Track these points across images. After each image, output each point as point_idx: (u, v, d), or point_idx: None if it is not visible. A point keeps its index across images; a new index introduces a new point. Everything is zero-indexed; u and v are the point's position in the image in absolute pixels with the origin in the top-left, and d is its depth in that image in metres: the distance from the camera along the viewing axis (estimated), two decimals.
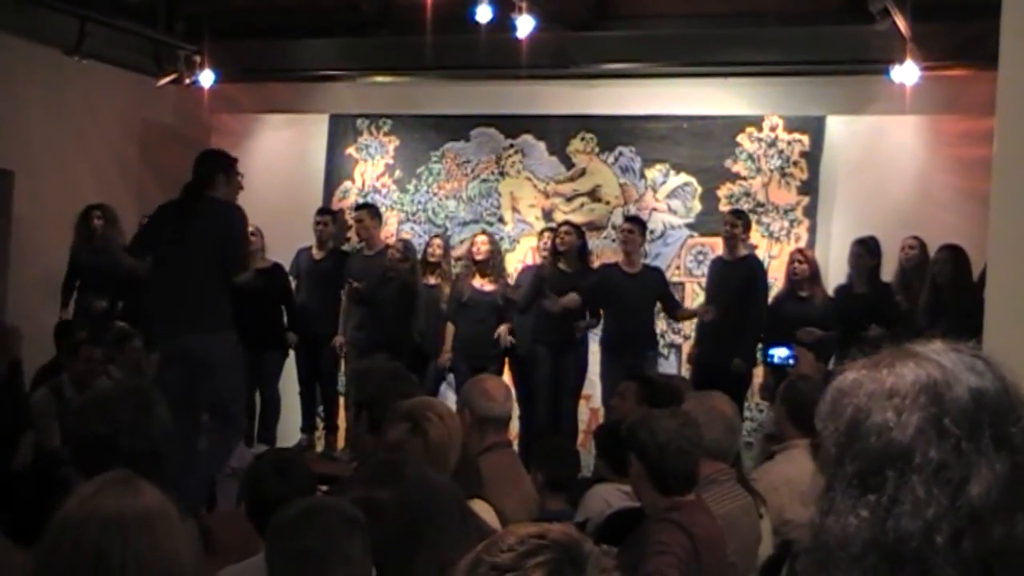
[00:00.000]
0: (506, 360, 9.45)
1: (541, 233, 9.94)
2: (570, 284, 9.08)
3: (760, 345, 8.98)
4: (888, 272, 8.82)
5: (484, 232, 9.92)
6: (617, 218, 10.35)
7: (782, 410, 5.51)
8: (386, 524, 2.78)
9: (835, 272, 9.08)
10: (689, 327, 9.72)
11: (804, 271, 8.88)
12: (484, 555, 1.55)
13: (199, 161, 7.02)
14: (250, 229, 7.55)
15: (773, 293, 9.29)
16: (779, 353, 8.47)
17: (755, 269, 9.14)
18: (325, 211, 10.39)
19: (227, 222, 6.74)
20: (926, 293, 8.32)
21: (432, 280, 9.65)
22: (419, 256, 9.79)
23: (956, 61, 9.05)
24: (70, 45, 10.08)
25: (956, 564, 1.24)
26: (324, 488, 4.62)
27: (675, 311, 9.40)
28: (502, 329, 9.32)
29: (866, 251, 8.70)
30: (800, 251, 9.25)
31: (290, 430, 9.89)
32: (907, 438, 1.28)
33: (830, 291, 8.89)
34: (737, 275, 9.02)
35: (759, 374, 9.44)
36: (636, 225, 9.30)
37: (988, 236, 3.81)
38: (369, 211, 9.95)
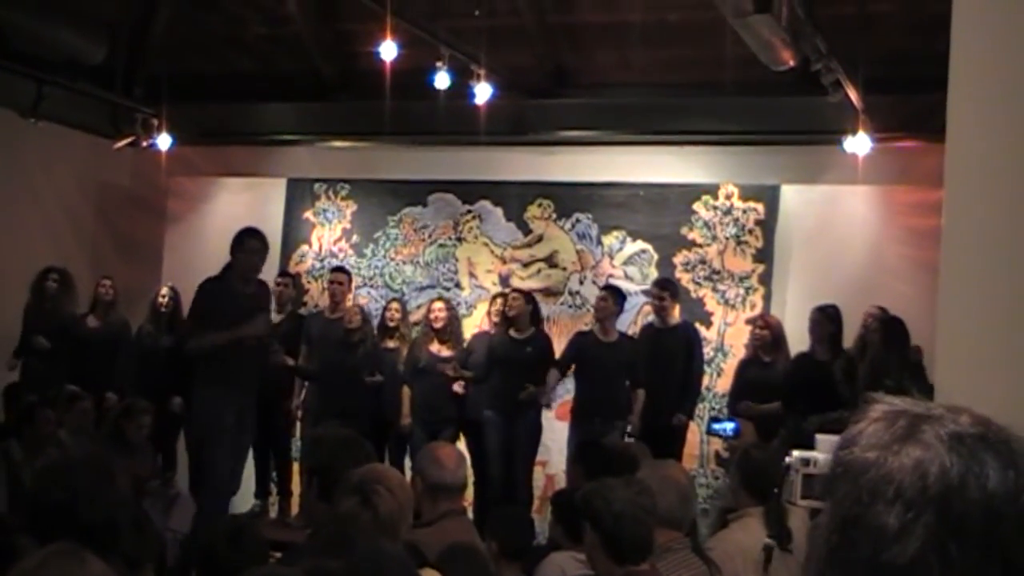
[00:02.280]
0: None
1: (494, 298, 9.94)
2: (520, 350, 9.08)
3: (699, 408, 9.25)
4: (847, 339, 8.85)
5: (441, 299, 9.92)
6: (574, 284, 10.41)
7: (737, 477, 5.51)
8: None
9: (791, 340, 9.10)
10: None
11: (766, 336, 8.95)
12: None
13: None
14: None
15: (737, 360, 9.37)
16: (724, 427, 8.56)
17: (691, 336, 9.27)
18: (285, 274, 10.40)
19: None
20: (865, 362, 8.38)
21: (391, 344, 9.65)
22: (377, 320, 9.86)
23: (907, 133, 9.23)
24: (27, 107, 10.04)
25: None
26: (277, 555, 4.58)
27: (633, 385, 9.13)
28: (457, 387, 9.32)
29: (826, 318, 8.72)
30: (762, 317, 9.34)
31: (243, 495, 9.78)
32: (906, 559, 1.13)
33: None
34: (671, 343, 9.11)
35: (715, 442, 9.47)
36: (611, 294, 9.29)
37: (937, 306, 3.85)
38: (348, 276, 10.07)
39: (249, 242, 7.75)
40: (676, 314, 9.29)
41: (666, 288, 9.28)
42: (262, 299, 8.07)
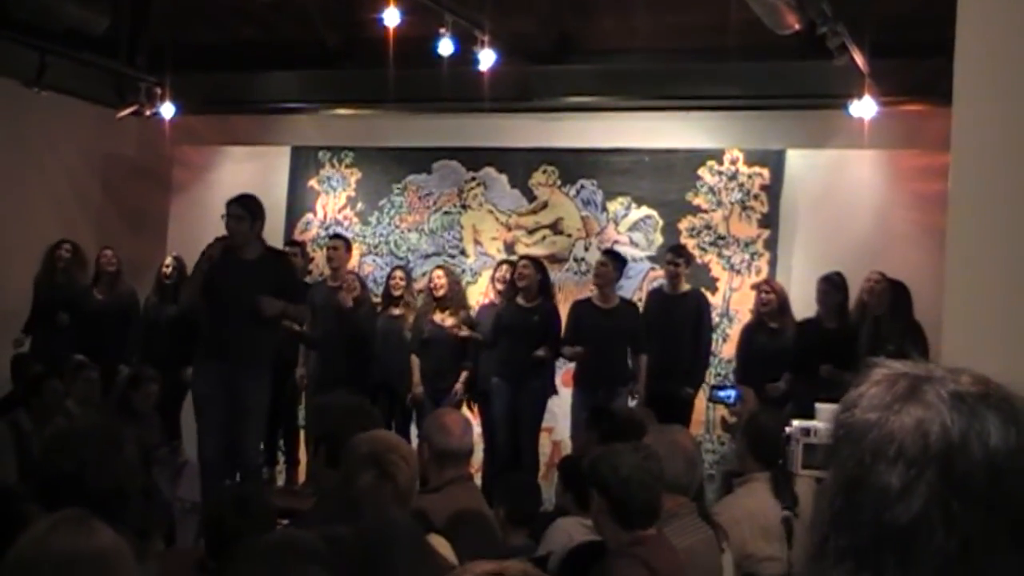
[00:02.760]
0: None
1: (499, 265, 9.94)
2: (527, 319, 9.08)
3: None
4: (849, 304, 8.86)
5: (441, 267, 9.91)
6: (579, 251, 10.40)
7: (743, 443, 5.52)
8: (344, 561, 2.75)
9: (796, 305, 9.09)
10: None
11: (772, 302, 8.94)
12: None
13: None
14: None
15: (742, 326, 9.36)
16: (727, 394, 8.59)
17: (700, 304, 9.25)
18: (293, 243, 10.40)
19: None
20: (867, 326, 8.38)
21: (395, 312, 9.65)
22: (381, 288, 9.87)
23: (913, 97, 9.17)
24: (30, 77, 10.02)
25: None
26: (284, 522, 4.60)
27: (636, 352, 9.16)
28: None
29: (833, 287, 8.71)
30: (767, 283, 9.31)
31: None
32: (909, 518, 1.14)
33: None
34: (681, 310, 9.09)
35: (721, 408, 9.50)
36: (611, 259, 9.26)
37: (944, 270, 3.85)
38: (344, 242, 10.00)
39: (228, 208, 7.60)
40: (685, 283, 9.28)
41: (681, 255, 9.27)
42: (272, 267, 7.72)
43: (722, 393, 8.71)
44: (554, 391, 9.28)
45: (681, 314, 9.07)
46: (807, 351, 8.39)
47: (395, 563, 2.81)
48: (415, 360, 9.42)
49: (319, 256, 10.89)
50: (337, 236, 10.21)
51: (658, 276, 10.07)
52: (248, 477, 7.65)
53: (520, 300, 9.18)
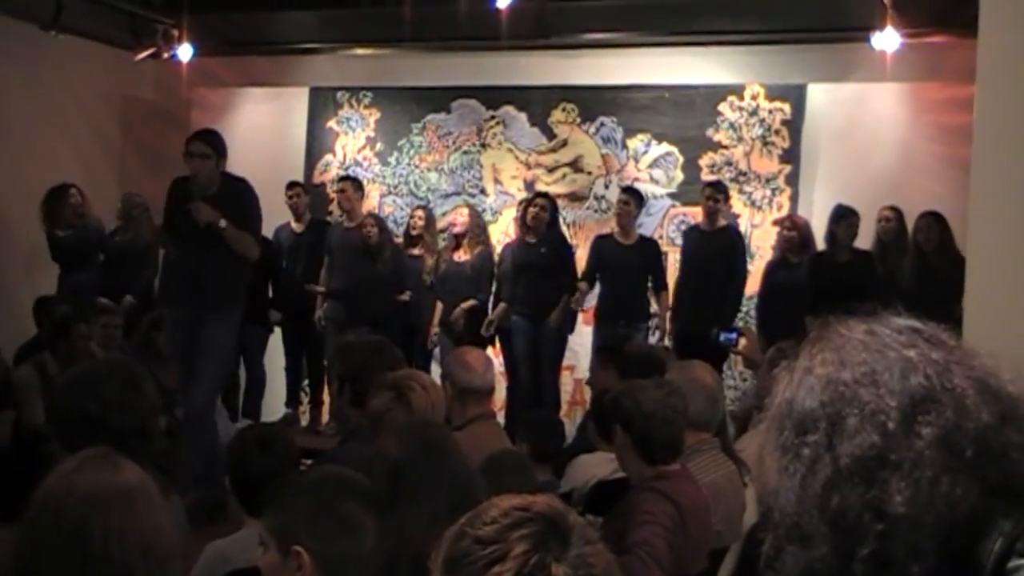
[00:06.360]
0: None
1: (520, 204, 9.91)
2: (535, 253, 9.06)
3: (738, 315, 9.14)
4: (865, 239, 8.80)
5: (466, 205, 9.90)
6: (599, 188, 10.37)
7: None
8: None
9: (819, 240, 9.04)
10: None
11: (793, 238, 8.87)
12: (467, 528, 1.54)
13: None
14: None
15: (765, 261, 9.31)
16: (726, 336, 8.50)
17: (735, 240, 9.13)
18: (294, 184, 10.21)
19: None
20: (911, 258, 8.33)
21: (415, 252, 9.65)
22: (402, 228, 9.86)
23: (936, 28, 9.06)
24: (47, 20, 9.96)
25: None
26: (308, 462, 4.64)
27: (656, 289, 9.19)
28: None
29: (857, 220, 8.65)
30: (790, 217, 9.25)
31: (275, 404, 9.89)
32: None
33: None
34: (715, 246, 8.99)
35: (742, 344, 9.45)
36: (632, 197, 9.22)
37: (969, 202, 3.82)
38: (352, 183, 9.89)
39: (189, 145, 7.02)
40: (723, 219, 9.21)
41: (720, 190, 9.16)
42: (229, 194, 7.09)
43: (723, 336, 8.59)
44: (571, 328, 9.26)
45: (714, 250, 8.97)
46: (818, 287, 8.27)
47: (427, 493, 2.83)
48: (437, 304, 9.40)
49: None
50: (344, 178, 10.07)
51: (678, 213, 10.04)
52: (190, 423, 7.04)
53: (528, 237, 9.17)
